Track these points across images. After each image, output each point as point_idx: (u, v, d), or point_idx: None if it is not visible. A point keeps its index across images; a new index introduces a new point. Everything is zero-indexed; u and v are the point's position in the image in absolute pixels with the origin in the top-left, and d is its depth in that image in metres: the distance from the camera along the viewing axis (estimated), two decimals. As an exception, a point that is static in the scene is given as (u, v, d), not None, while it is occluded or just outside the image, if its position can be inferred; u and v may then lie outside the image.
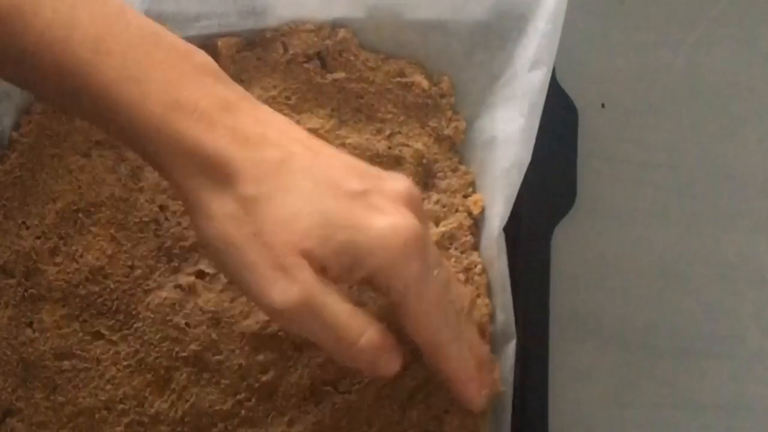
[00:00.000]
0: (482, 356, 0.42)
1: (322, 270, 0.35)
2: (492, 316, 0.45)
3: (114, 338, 0.44)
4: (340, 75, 0.46)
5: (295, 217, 0.34)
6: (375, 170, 0.38)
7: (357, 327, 0.36)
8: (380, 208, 0.35)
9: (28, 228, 0.44)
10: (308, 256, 0.35)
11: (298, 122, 0.45)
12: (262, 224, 0.34)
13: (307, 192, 0.35)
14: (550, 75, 0.43)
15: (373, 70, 0.46)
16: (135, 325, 0.44)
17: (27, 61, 0.35)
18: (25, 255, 0.44)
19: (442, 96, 0.47)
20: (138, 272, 0.44)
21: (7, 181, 0.45)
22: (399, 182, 0.37)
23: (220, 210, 0.35)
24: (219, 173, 0.35)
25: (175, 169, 0.35)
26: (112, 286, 0.44)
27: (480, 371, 0.41)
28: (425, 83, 0.46)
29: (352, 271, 0.35)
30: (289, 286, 0.34)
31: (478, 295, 0.45)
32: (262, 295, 0.35)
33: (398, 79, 0.46)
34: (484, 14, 0.45)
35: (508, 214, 0.44)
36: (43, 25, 0.35)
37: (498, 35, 0.45)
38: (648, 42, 0.53)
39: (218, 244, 0.35)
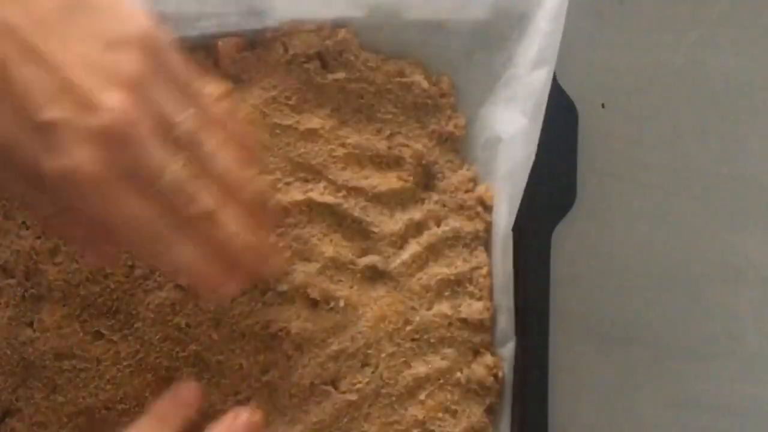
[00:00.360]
0: (249, 236, 0.39)
1: None
2: (493, 317, 0.45)
3: (114, 338, 0.44)
4: (341, 75, 0.46)
5: None
6: (94, 83, 0.34)
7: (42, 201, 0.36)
8: (61, 146, 0.33)
9: (28, 228, 0.44)
10: None
11: (297, 122, 0.45)
12: None
13: None
14: (552, 75, 0.43)
15: (373, 70, 0.46)
16: (135, 325, 0.44)
17: None
18: (25, 255, 0.44)
19: (442, 96, 0.47)
20: (138, 272, 0.44)
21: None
22: (104, 116, 0.34)
23: None
24: None
25: None
26: (112, 286, 0.44)
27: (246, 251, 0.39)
28: (425, 83, 0.46)
29: None
30: None
31: (481, 298, 0.45)
32: None
33: (398, 79, 0.46)
34: (485, 14, 0.45)
35: (514, 214, 0.44)
36: None
37: (498, 35, 0.45)
38: (648, 42, 0.53)
39: None
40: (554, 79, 0.45)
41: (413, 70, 0.47)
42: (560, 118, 0.46)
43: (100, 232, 0.37)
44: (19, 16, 0.33)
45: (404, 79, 0.46)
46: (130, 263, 0.44)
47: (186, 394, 0.40)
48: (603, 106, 0.53)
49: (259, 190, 0.40)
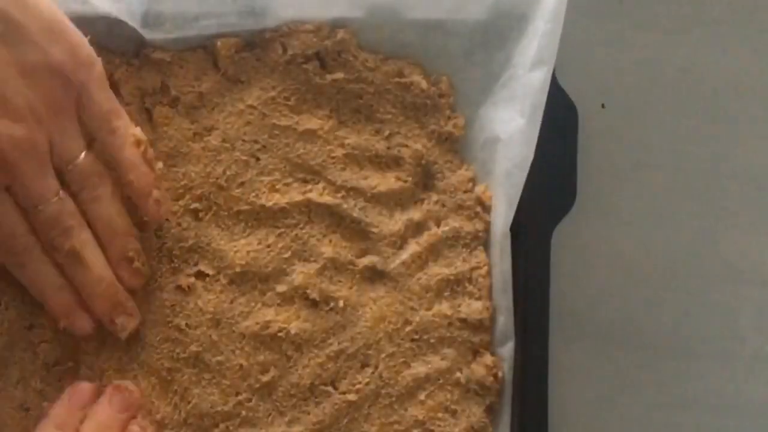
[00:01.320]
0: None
1: None
2: (492, 317, 0.45)
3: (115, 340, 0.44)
4: (339, 75, 0.46)
5: None
6: None
7: None
8: None
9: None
10: None
11: (296, 123, 0.45)
12: None
13: None
14: (551, 75, 0.43)
15: (372, 70, 0.46)
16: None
17: None
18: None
19: (441, 96, 0.47)
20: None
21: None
22: None
23: None
24: None
25: None
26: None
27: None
28: (424, 83, 0.46)
29: None
30: None
31: (480, 298, 0.45)
32: None
33: (397, 79, 0.46)
34: (484, 14, 0.45)
35: (512, 214, 0.44)
36: None
37: (498, 35, 0.45)
38: (648, 42, 0.53)
39: None
40: (554, 79, 0.45)
41: (412, 70, 0.47)
42: (560, 118, 0.46)
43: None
44: None
45: (403, 80, 0.46)
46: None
47: (80, 395, 0.42)
48: (603, 106, 0.53)
49: (134, 247, 0.42)
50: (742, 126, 0.53)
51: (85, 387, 0.42)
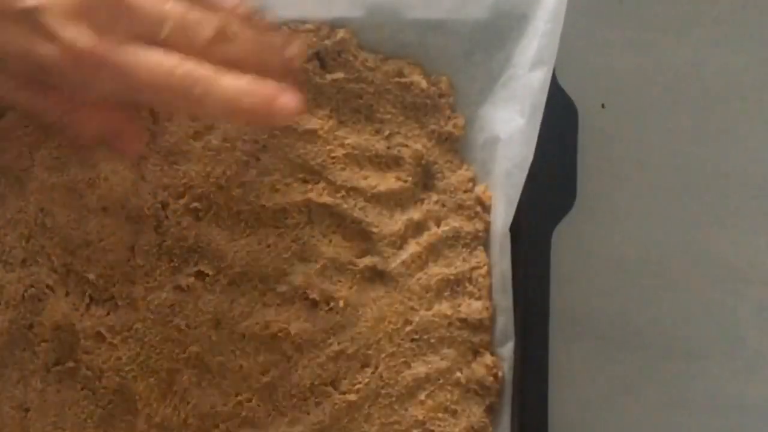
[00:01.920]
0: (266, 51, 0.39)
1: None
2: (492, 317, 0.45)
3: (115, 341, 0.44)
4: (339, 75, 0.46)
5: None
6: None
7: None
8: (47, 31, 0.34)
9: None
10: None
11: (296, 123, 0.45)
12: None
13: None
14: (550, 75, 0.43)
15: (372, 70, 0.46)
16: (135, 326, 0.44)
17: None
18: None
19: (441, 96, 0.47)
20: (138, 261, 0.44)
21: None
22: None
23: None
24: None
25: None
26: (112, 284, 0.44)
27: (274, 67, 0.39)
28: (424, 83, 0.46)
29: None
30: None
31: (480, 298, 0.45)
32: None
33: (397, 79, 0.46)
34: (484, 14, 0.45)
35: (512, 214, 0.44)
36: None
37: (497, 35, 0.45)
38: (648, 42, 0.53)
39: None
40: (554, 79, 0.45)
41: (412, 70, 0.47)
42: (560, 118, 0.46)
43: (118, 118, 0.37)
44: None
45: (403, 79, 0.46)
46: (130, 262, 0.44)
47: None
48: (603, 106, 0.53)
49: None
50: (742, 126, 0.53)
51: None
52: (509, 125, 0.45)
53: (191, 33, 0.36)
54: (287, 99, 0.37)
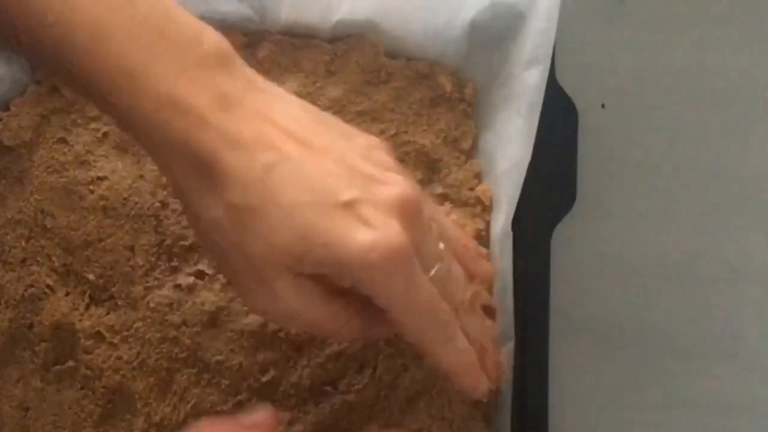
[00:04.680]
0: (487, 343, 0.41)
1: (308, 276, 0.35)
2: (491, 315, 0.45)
3: (114, 341, 0.44)
4: (344, 75, 0.46)
5: (276, 231, 0.34)
6: (373, 169, 0.36)
7: (336, 321, 0.37)
8: (366, 219, 0.34)
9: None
10: (289, 270, 0.34)
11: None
12: (243, 236, 0.34)
13: (291, 203, 0.34)
14: (546, 74, 0.43)
15: (387, 69, 0.46)
16: (135, 326, 0.44)
17: (31, 42, 0.35)
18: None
19: (462, 101, 0.47)
20: (138, 270, 0.44)
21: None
22: (394, 188, 0.35)
23: (208, 214, 0.34)
24: (208, 175, 0.34)
25: (170, 166, 0.35)
26: (112, 283, 0.44)
27: (483, 359, 0.40)
28: (449, 86, 0.46)
29: (336, 280, 0.35)
30: (269, 299, 0.35)
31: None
32: (246, 301, 0.36)
33: (422, 79, 0.46)
34: (481, 14, 0.45)
35: (511, 214, 0.44)
36: (44, 5, 0.34)
37: (495, 35, 0.45)
38: (648, 42, 0.53)
39: (206, 246, 0.36)
40: (554, 79, 0.45)
41: (441, 70, 0.47)
42: (560, 118, 0.46)
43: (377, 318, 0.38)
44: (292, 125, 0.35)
45: (428, 81, 0.46)
46: (130, 261, 0.44)
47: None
48: (603, 106, 0.53)
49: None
50: (742, 126, 0.53)
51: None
52: (508, 125, 0.45)
53: (453, 286, 0.38)
54: (483, 386, 0.40)
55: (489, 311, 0.43)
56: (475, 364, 0.39)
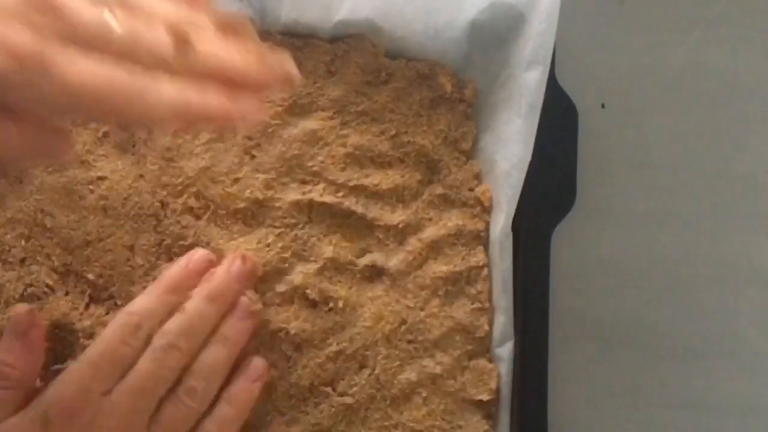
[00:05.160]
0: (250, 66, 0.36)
1: None
2: (490, 317, 0.45)
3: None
4: (345, 76, 0.46)
5: None
6: None
7: None
8: None
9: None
10: None
11: (298, 123, 0.45)
12: None
13: None
14: (546, 74, 0.43)
15: (387, 69, 0.46)
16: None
17: None
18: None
19: (462, 101, 0.47)
20: (138, 261, 0.44)
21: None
22: None
23: None
24: None
25: None
26: (111, 283, 0.44)
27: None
28: (449, 86, 0.46)
29: None
30: None
31: (479, 300, 0.45)
32: None
33: (422, 79, 0.46)
34: (481, 14, 0.45)
35: (511, 215, 0.44)
36: None
37: (495, 35, 0.45)
38: (648, 42, 0.53)
39: None
40: (554, 79, 0.45)
41: (441, 71, 0.46)
42: (560, 118, 0.46)
43: (48, 130, 0.34)
44: None
45: (428, 81, 0.46)
46: (129, 245, 0.44)
47: (198, 262, 0.41)
48: (603, 106, 0.53)
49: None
50: (742, 126, 0.53)
51: (203, 254, 0.42)
52: (508, 126, 0.45)
53: (144, 46, 0.33)
54: (240, 107, 0.35)
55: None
56: (198, 103, 0.34)
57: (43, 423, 0.38)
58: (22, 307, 0.41)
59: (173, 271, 0.42)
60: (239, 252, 0.43)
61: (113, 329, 0.40)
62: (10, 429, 0.38)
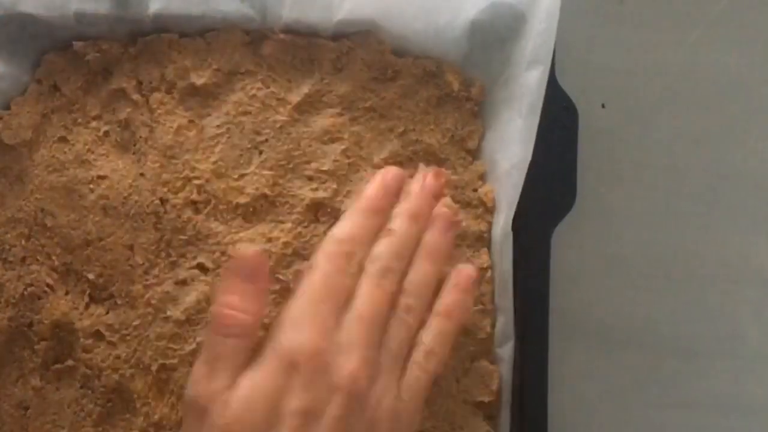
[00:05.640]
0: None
1: None
2: (492, 318, 0.45)
3: (114, 340, 0.44)
4: (350, 74, 0.46)
5: None
6: None
7: None
8: None
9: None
10: None
11: (305, 121, 0.45)
12: None
13: None
14: (547, 74, 0.43)
15: (394, 66, 0.46)
16: (134, 324, 0.44)
17: None
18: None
19: (468, 100, 0.47)
20: (138, 260, 0.44)
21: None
22: None
23: None
24: None
25: None
26: (111, 282, 0.44)
27: None
28: (456, 84, 0.46)
29: None
30: None
31: (481, 302, 0.45)
32: None
33: (429, 77, 0.46)
34: (482, 14, 0.45)
35: (511, 215, 0.44)
36: None
37: (495, 35, 0.45)
38: (648, 42, 0.53)
39: None
40: (554, 79, 0.45)
41: (448, 68, 0.46)
42: (560, 118, 0.46)
43: None
44: None
45: (435, 79, 0.46)
46: (129, 246, 0.44)
47: (394, 181, 0.42)
48: (603, 106, 0.53)
49: None
50: (742, 126, 0.53)
51: (396, 172, 0.42)
52: (508, 126, 0.45)
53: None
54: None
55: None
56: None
57: (288, 370, 0.37)
58: (246, 247, 0.40)
59: (372, 192, 0.41)
60: (435, 170, 0.43)
61: (328, 260, 0.39)
62: (259, 381, 0.37)
